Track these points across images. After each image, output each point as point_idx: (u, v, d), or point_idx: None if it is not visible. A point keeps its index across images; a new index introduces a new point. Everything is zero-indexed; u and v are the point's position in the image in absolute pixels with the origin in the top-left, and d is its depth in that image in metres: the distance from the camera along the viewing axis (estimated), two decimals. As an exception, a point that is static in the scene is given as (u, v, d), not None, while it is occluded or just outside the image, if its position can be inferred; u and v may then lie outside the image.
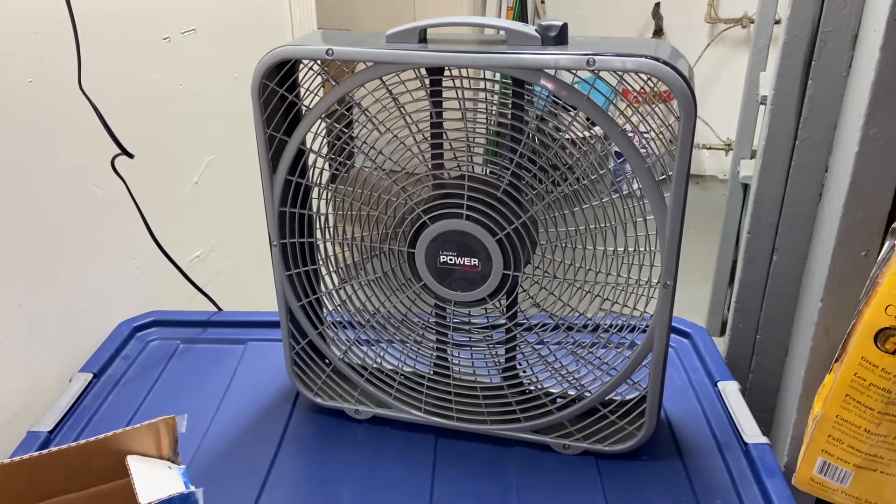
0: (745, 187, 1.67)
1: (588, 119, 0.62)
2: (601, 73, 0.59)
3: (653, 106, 0.61)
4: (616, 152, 0.63)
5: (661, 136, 0.61)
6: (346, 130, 0.68)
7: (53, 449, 0.54)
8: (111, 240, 0.99)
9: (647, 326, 0.67)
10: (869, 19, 0.68)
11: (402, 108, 0.65)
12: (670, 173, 0.60)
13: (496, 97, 0.65)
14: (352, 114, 0.68)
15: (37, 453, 0.54)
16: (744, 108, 1.68)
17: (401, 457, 0.74)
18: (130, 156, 0.91)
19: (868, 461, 0.59)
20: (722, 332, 1.79)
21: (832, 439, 0.60)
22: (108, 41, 0.95)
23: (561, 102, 0.62)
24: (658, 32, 2.93)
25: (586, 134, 0.64)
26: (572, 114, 0.63)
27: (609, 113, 0.61)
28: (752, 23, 2.83)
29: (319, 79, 0.68)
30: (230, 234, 1.24)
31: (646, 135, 0.61)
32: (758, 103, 1.59)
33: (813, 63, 0.75)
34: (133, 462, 0.55)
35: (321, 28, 1.44)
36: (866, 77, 0.65)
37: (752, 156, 1.70)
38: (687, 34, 2.90)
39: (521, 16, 2.69)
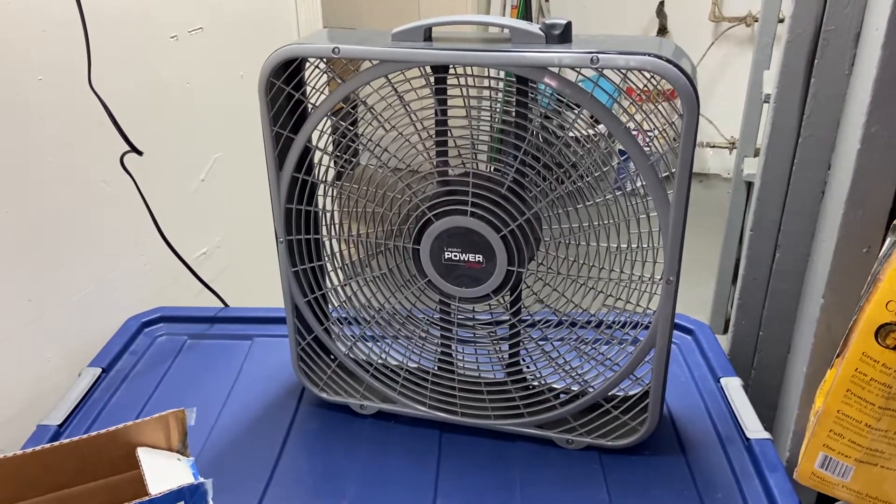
0: (749, 185, 1.67)
1: (592, 117, 0.63)
2: (605, 71, 0.60)
3: (656, 104, 0.61)
4: (619, 150, 0.64)
5: (664, 133, 0.61)
6: (352, 128, 0.69)
7: (65, 441, 0.55)
8: (119, 236, 1.00)
9: (649, 322, 0.67)
10: (871, 18, 0.68)
11: (407, 106, 0.66)
12: (673, 170, 0.61)
13: (500, 95, 0.66)
14: (357, 112, 0.69)
15: (48, 445, 0.55)
16: (747, 106, 1.68)
17: (405, 451, 0.75)
18: (139, 153, 0.91)
19: (869, 456, 0.60)
20: (725, 330, 1.79)
21: (833, 434, 0.60)
22: (117, 40, 0.96)
23: (565, 100, 0.63)
24: (662, 31, 2.93)
25: (590, 132, 0.64)
26: (576, 112, 0.63)
27: (613, 111, 0.61)
28: (756, 21, 2.83)
29: (325, 77, 0.68)
30: (237, 231, 1.25)
31: (650, 133, 0.62)
32: (761, 102, 1.59)
33: (816, 61, 0.75)
34: (143, 454, 0.56)
35: (327, 27, 1.44)
36: (868, 75, 0.65)
37: (756, 154, 1.70)
38: (691, 33, 2.90)
39: (526, 14, 2.69)
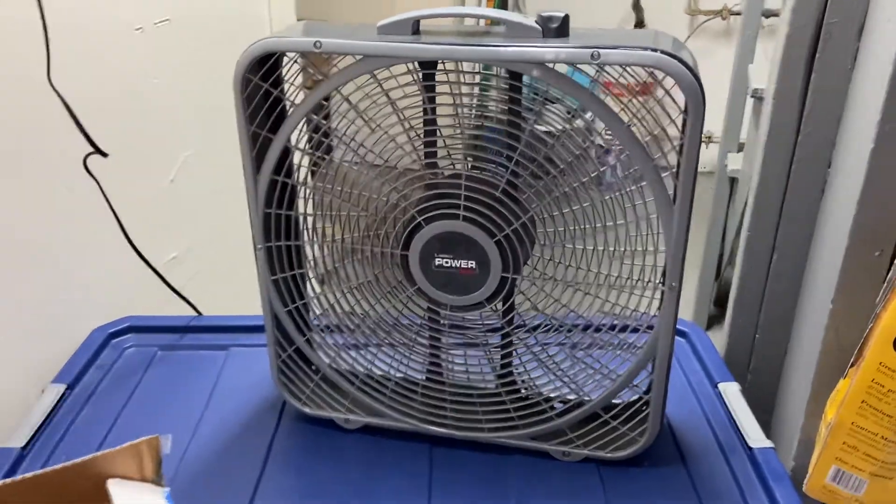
0: (733, 181, 1.67)
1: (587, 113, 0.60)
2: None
3: (657, 100, 0.58)
4: (619, 149, 0.61)
5: (664, 131, 0.59)
6: (336, 129, 0.65)
7: (28, 475, 0.51)
8: (83, 243, 0.95)
9: (648, 328, 0.65)
10: (878, 9, 0.66)
11: (394, 105, 0.62)
12: (674, 170, 0.58)
13: (493, 92, 0.63)
14: (339, 109, 0.65)
15: (8, 480, 0.50)
16: (731, 101, 1.68)
17: (395, 467, 0.72)
18: (104, 154, 0.88)
19: (884, 469, 0.58)
20: (708, 327, 1.79)
21: (847, 447, 0.58)
22: (78, 32, 0.91)
23: (561, 98, 0.60)
24: (639, 24, 2.93)
25: (587, 132, 0.62)
26: (572, 110, 0.60)
27: (611, 108, 0.59)
28: (732, 14, 2.84)
29: (305, 73, 0.64)
30: (208, 234, 1.21)
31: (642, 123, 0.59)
32: (746, 96, 1.58)
33: (817, 55, 0.73)
34: (113, 487, 0.51)
35: (301, 19, 1.40)
36: (875, 70, 0.63)
37: (740, 149, 1.69)
38: (667, 26, 2.90)
39: (502, 6, 2.66)
